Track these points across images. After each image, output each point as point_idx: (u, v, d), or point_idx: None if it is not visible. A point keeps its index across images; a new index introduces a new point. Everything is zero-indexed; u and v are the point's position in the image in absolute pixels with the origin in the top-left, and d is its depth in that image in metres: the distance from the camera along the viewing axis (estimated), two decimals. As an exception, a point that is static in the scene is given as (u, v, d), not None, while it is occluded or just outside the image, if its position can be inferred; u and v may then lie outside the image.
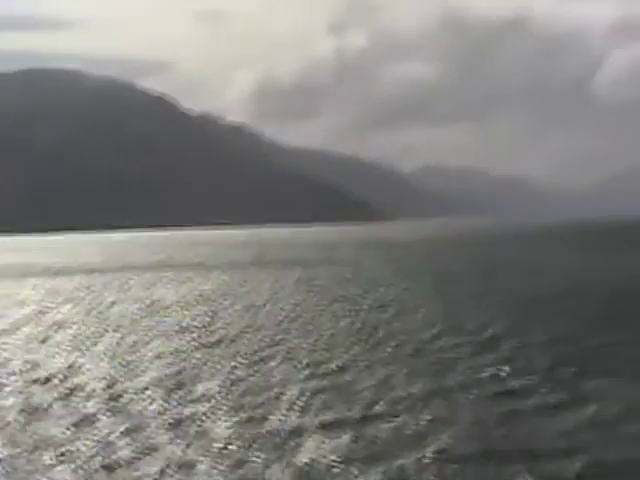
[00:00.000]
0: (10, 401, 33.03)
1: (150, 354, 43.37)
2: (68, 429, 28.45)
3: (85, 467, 24.06)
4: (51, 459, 24.88)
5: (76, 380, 36.86)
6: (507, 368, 36.74)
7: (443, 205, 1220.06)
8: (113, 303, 70.33)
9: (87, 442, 26.69)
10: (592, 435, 26.01)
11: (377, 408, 30.43)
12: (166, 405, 31.77)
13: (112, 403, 32.41)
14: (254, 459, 24.35)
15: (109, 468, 23.94)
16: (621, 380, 33.77)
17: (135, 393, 34.06)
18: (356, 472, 22.99)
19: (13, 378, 37.69)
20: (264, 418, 29.19)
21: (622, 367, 36.51)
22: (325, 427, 27.71)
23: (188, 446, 25.95)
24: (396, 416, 28.86)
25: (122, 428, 28.29)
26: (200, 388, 34.59)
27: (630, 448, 24.64)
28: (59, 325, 55.97)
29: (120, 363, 40.93)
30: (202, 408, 31.02)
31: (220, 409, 30.84)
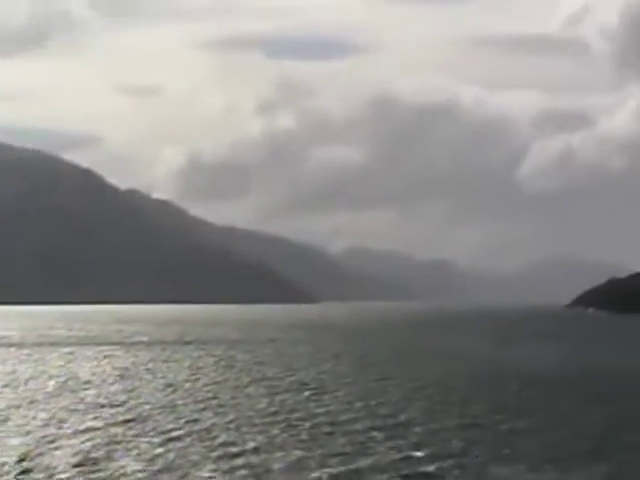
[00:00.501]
0: None
1: (65, 430, 43.05)
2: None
3: None
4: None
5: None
6: (419, 452, 37.30)
7: (369, 288, 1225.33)
8: (30, 378, 69.53)
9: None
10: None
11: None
12: (78, 483, 31.66)
13: (22, 478, 32.15)
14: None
15: None
16: (523, 467, 34.44)
17: (46, 469, 33.81)
18: None
19: None
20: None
21: (527, 454, 37.24)
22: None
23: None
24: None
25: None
26: (114, 465, 34.49)
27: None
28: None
29: (34, 439, 40.55)
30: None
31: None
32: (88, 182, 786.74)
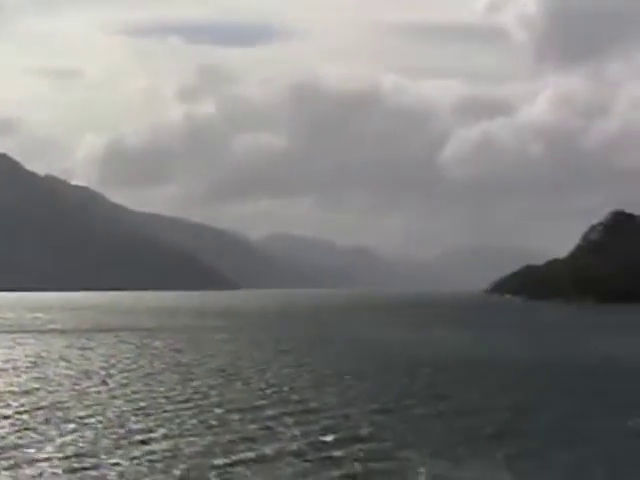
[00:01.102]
0: None
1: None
2: None
3: None
4: None
5: None
6: (328, 437, 37.99)
7: (290, 275, 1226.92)
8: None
9: None
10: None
11: (193, 474, 31.19)
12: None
13: None
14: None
15: None
16: (428, 451, 35.29)
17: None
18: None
19: None
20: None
21: (434, 438, 38.07)
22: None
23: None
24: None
25: None
26: (24, 453, 34.62)
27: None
28: None
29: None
30: (29, 472, 31.29)
31: (47, 472, 31.24)
32: (4, 167, 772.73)
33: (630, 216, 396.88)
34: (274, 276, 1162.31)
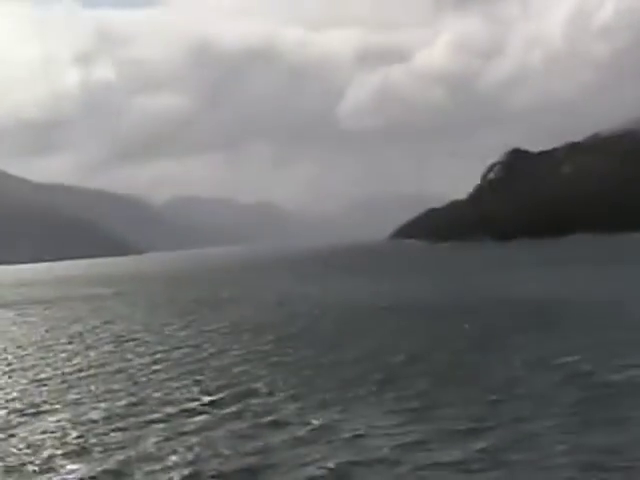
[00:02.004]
0: None
1: None
2: None
3: None
4: None
5: None
6: (209, 390, 38.42)
7: (195, 236, 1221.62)
8: None
9: None
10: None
11: (92, 441, 31.00)
12: None
13: None
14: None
15: None
16: (317, 402, 35.53)
17: None
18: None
19: None
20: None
21: (326, 388, 38.31)
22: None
23: None
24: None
25: None
26: None
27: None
28: None
29: None
30: None
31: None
32: None
33: (526, 153, 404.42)
34: (178, 239, 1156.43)
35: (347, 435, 29.38)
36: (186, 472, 26.16)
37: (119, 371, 47.37)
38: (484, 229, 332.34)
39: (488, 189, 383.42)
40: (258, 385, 39.81)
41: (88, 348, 59.20)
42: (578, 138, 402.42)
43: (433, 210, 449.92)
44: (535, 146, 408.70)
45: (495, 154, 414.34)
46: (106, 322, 79.29)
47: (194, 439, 30.14)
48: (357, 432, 29.66)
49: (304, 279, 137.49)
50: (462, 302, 76.65)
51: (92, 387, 42.36)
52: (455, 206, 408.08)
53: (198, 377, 43.33)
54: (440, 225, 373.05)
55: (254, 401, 36.15)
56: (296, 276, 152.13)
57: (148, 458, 27.96)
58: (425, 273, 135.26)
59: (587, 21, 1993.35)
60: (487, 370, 40.02)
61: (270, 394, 37.53)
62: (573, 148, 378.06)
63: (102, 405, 37.39)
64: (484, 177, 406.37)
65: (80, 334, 69.63)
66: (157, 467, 26.87)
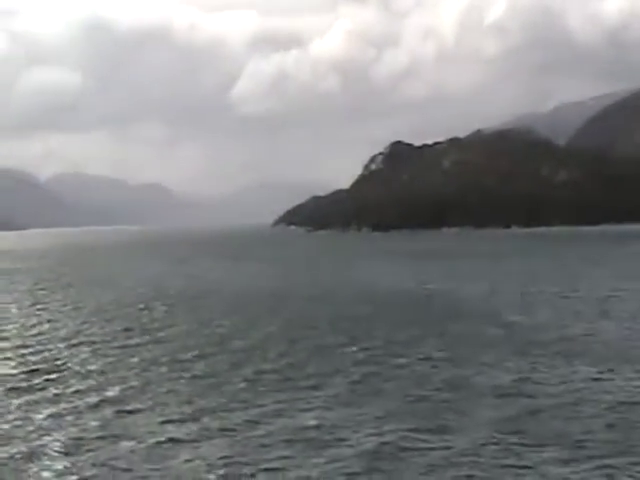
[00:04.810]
0: None
1: None
2: None
3: None
4: None
5: None
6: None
7: (82, 214, 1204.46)
8: None
9: None
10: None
11: None
12: None
13: None
14: None
15: None
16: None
17: None
18: None
19: None
20: None
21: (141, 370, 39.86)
22: None
23: None
24: None
25: None
26: None
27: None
28: None
29: None
30: None
31: None
32: None
33: (409, 146, 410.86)
34: (65, 215, 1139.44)
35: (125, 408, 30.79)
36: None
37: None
38: (364, 219, 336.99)
39: (369, 179, 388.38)
40: (73, 365, 40.72)
41: None
42: (464, 132, 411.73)
43: (317, 198, 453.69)
44: (424, 137, 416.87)
45: (385, 144, 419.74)
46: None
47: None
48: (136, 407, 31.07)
49: (174, 262, 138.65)
50: (300, 289, 78.73)
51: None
52: (337, 194, 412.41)
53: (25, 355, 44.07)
54: (322, 213, 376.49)
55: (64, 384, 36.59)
56: (164, 259, 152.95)
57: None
58: (280, 260, 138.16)
59: (479, 17, 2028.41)
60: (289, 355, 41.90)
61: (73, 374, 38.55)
62: (454, 143, 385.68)
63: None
64: (366, 167, 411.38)
65: None
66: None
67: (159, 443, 26.59)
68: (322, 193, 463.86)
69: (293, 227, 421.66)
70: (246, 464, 24.24)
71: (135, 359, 41.65)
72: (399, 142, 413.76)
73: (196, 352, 43.09)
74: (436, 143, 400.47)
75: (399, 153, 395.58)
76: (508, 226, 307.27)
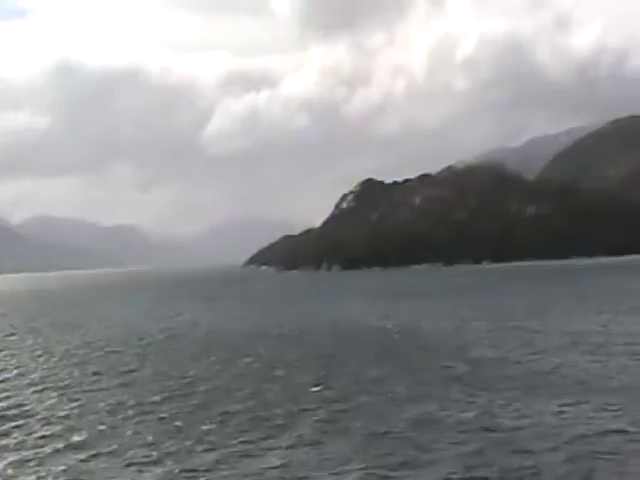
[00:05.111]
0: None
1: None
2: None
3: None
4: None
5: None
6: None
7: (54, 257, 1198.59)
8: None
9: None
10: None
11: None
12: None
13: None
14: None
15: None
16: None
17: None
18: None
19: None
20: None
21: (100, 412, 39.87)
22: None
23: None
24: None
25: None
26: None
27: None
28: None
29: None
30: None
31: None
32: None
33: (380, 183, 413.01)
34: (36, 259, 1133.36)
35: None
36: None
37: None
38: (334, 257, 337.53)
39: (340, 218, 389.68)
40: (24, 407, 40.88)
41: None
42: (436, 167, 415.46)
43: (288, 237, 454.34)
44: (397, 173, 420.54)
45: (358, 180, 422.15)
46: None
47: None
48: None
49: (135, 304, 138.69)
50: (268, 329, 78.92)
51: None
52: (308, 233, 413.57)
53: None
54: (293, 252, 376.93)
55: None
56: (129, 301, 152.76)
57: None
58: (246, 300, 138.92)
59: (450, 53, 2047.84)
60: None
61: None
62: (424, 180, 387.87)
63: None
64: (337, 206, 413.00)
65: None
66: None
67: (122, 487, 26.70)
68: (295, 231, 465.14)
69: (264, 267, 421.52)
70: (209, 506, 24.38)
71: (102, 403, 41.67)
72: (370, 180, 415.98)
73: (164, 395, 43.14)
74: (406, 180, 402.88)
75: (370, 191, 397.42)
76: (478, 261, 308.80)
